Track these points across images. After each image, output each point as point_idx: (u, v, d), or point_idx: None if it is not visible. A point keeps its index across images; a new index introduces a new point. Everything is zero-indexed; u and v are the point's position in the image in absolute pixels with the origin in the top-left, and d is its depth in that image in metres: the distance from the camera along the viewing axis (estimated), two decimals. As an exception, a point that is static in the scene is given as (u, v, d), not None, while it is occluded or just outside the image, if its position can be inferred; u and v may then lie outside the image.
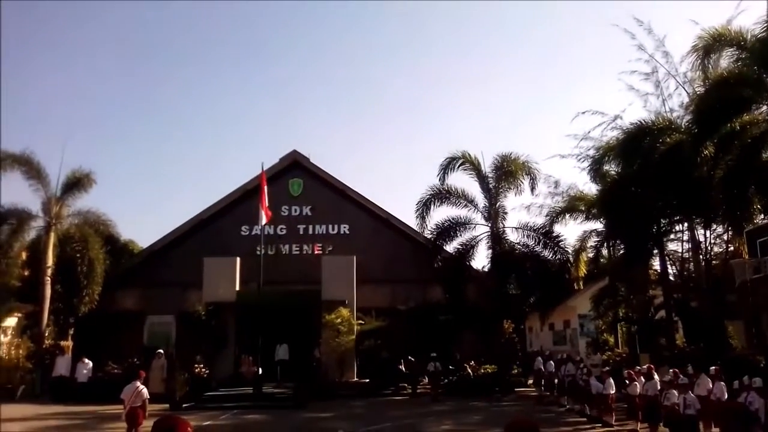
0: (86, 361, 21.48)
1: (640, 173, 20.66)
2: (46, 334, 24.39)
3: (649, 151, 20.55)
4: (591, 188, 27.15)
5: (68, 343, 24.05)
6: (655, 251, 22.90)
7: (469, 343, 25.24)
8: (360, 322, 22.99)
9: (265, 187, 21.77)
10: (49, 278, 23.96)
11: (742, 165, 16.71)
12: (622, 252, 23.65)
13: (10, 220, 23.69)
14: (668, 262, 23.59)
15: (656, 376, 13.98)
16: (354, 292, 22.97)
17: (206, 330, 22.25)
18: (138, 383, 12.11)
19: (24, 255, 29.57)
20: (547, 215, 27.88)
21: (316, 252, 26.22)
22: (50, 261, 24.16)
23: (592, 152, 25.88)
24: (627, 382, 14.62)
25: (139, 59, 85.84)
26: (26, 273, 29.76)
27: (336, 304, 22.11)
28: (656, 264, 24.03)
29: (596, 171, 25.25)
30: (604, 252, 27.03)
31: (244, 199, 26.47)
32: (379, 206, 27.55)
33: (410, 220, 26.79)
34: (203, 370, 21.08)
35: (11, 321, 29.24)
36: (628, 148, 21.44)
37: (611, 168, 25.07)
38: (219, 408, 17.94)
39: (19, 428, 14.31)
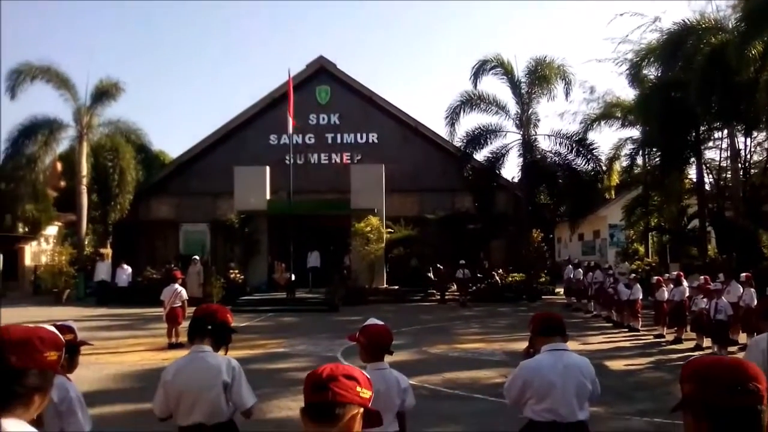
0: (125, 266, 22.33)
1: (681, 77, 19.79)
2: (86, 242, 25.31)
3: (691, 53, 19.58)
4: (628, 94, 26.22)
5: (107, 250, 24.97)
6: (692, 159, 22.32)
7: (498, 252, 25.49)
8: (389, 230, 23.22)
9: (292, 95, 21.55)
10: (84, 187, 24.49)
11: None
12: (657, 160, 23.08)
13: (42, 130, 23.97)
14: (705, 171, 23.01)
15: (685, 283, 13.96)
16: (383, 200, 23.06)
17: (239, 238, 22.78)
18: (176, 285, 12.59)
19: (60, 166, 30.27)
20: (581, 122, 27.20)
21: (344, 161, 26.16)
22: (84, 171, 24.60)
23: (630, 56, 24.83)
24: (655, 289, 14.65)
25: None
26: (63, 183, 30.59)
27: (365, 213, 22.27)
28: (692, 173, 23.51)
29: (634, 75, 24.29)
30: (639, 160, 26.44)
31: (271, 108, 26.22)
32: (407, 114, 27.11)
33: (440, 128, 26.41)
34: (238, 275, 21.79)
35: (52, 229, 30.42)
36: (669, 51, 20.46)
37: (650, 72, 24.12)
38: (254, 311, 18.65)
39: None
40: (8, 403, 1.58)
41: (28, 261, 28.38)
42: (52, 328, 1.86)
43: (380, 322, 3.44)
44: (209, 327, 3.31)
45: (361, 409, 1.62)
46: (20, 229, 27.98)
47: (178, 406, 3.21)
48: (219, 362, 3.23)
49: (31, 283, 26.94)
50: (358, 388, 1.62)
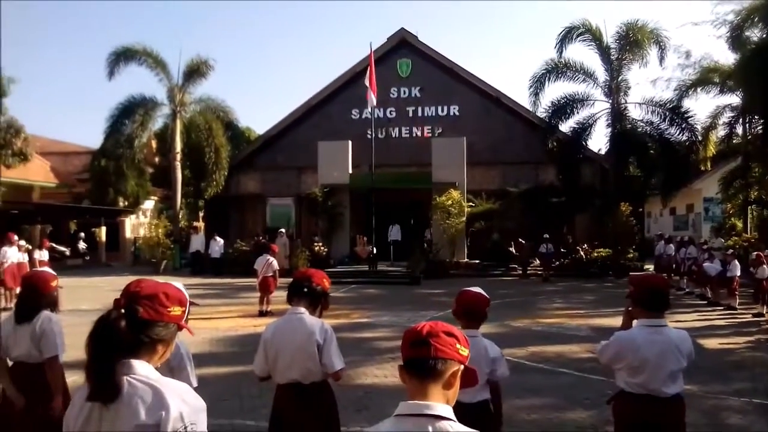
0: (218, 238, 23.37)
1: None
2: (180, 216, 26.68)
3: (802, 12, 18.05)
4: (728, 58, 24.51)
5: (200, 224, 26.26)
6: (799, 126, 20.70)
7: (583, 226, 24.78)
8: (470, 204, 23.05)
9: (373, 69, 21.64)
10: (178, 163, 25.73)
11: None
12: (759, 128, 21.56)
13: (139, 110, 25.28)
14: (814, 140, 21.27)
15: (788, 260, 13.11)
16: (464, 174, 22.89)
17: (323, 211, 23.33)
18: (269, 256, 13.15)
19: (154, 143, 31.93)
20: (675, 89, 25.71)
21: (425, 134, 26.11)
22: (178, 147, 25.81)
23: (730, 17, 23.13)
24: (754, 265, 13.84)
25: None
26: (157, 160, 32.28)
27: (446, 186, 22.18)
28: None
29: (735, 38, 22.59)
30: (739, 129, 24.77)
31: (353, 82, 26.45)
32: (489, 85, 26.63)
33: (523, 98, 25.77)
34: (322, 248, 22.37)
35: (149, 204, 32.25)
36: (776, 9, 18.92)
37: (753, 34, 22.40)
38: (338, 283, 19.01)
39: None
40: (135, 350, 1.75)
41: (128, 233, 30.28)
42: (180, 286, 2.01)
43: (478, 289, 3.46)
44: (305, 290, 3.48)
45: (461, 366, 1.66)
46: (121, 203, 29.86)
47: (276, 365, 3.40)
48: (313, 324, 3.40)
49: (131, 254, 28.76)
50: (458, 345, 1.66)
